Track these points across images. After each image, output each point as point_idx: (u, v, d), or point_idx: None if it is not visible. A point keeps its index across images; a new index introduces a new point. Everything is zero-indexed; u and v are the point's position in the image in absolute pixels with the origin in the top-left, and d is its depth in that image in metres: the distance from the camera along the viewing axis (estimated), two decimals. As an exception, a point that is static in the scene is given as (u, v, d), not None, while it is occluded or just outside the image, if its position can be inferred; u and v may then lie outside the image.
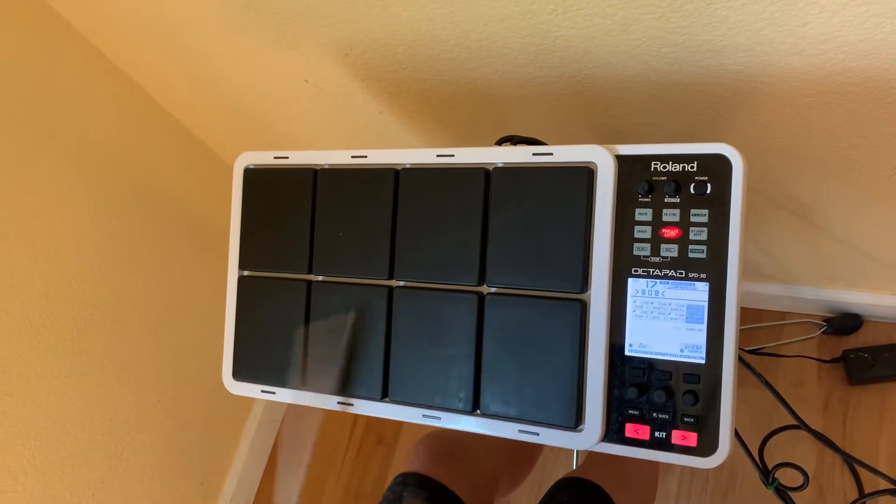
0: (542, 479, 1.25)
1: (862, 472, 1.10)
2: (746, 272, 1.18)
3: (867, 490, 1.09)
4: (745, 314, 1.25)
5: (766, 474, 0.72)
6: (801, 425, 0.74)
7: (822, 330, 1.20)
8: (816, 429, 0.75)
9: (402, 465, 0.83)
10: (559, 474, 0.85)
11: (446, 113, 0.89)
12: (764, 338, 1.24)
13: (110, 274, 1.09)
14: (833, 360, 1.18)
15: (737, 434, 0.66)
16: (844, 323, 1.18)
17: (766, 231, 1.02)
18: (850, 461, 1.09)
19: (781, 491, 0.72)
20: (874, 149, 0.75)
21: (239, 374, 0.72)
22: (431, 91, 0.85)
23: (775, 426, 0.76)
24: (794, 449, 1.13)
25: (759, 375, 0.76)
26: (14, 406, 0.97)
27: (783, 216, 0.96)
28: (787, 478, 0.71)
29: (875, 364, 1.13)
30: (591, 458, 0.90)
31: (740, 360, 0.61)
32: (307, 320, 0.68)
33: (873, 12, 0.56)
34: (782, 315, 1.24)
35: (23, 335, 0.97)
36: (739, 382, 0.55)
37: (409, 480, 0.78)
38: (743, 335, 1.24)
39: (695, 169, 0.55)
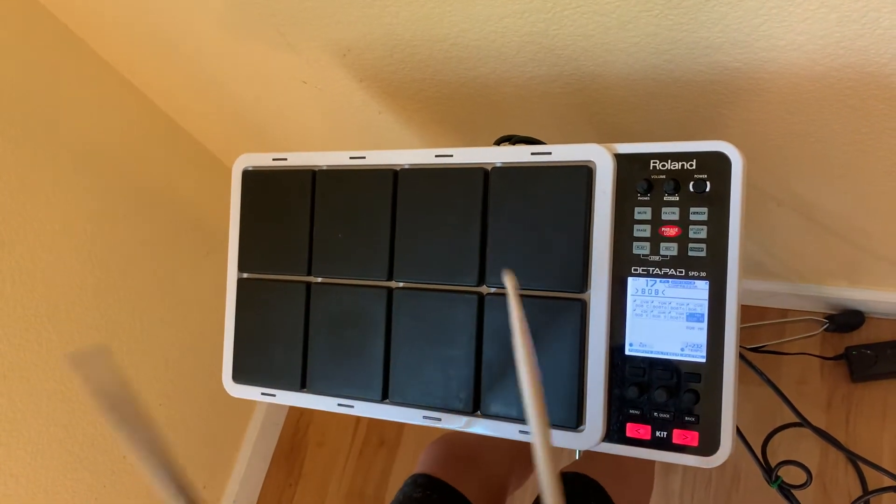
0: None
1: (866, 469, 1.10)
2: (747, 270, 1.18)
3: (871, 487, 1.08)
4: (747, 312, 1.25)
5: (770, 472, 0.72)
6: (804, 423, 0.74)
7: (825, 327, 1.19)
8: (819, 426, 0.75)
9: (405, 466, 0.83)
10: (561, 467, 0.84)
11: (445, 112, 0.89)
12: (766, 335, 1.23)
13: (111, 277, 1.09)
14: (836, 358, 1.18)
15: (739, 432, 0.66)
16: (847, 320, 1.17)
17: (767, 228, 1.02)
18: (854, 458, 1.09)
19: (785, 489, 0.71)
20: (874, 144, 0.75)
21: (239, 376, 0.71)
22: (430, 91, 0.84)
23: (778, 424, 0.76)
24: (798, 446, 1.13)
25: (761, 373, 0.75)
26: (16, 410, 0.96)
27: (783, 213, 0.95)
28: (791, 476, 0.71)
29: (878, 361, 1.13)
30: (588, 451, 0.90)
31: (742, 357, 0.61)
32: (307, 322, 0.68)
33: (872, 7, 0.56)
34: (784, 313, 1.24)
35: (24, 339, 0.97)
36: (741, 380, 0.55)
37: (420, 481, 0.78)
38: (745, 333, 1.24)
39: (694, 167, 0.54)
